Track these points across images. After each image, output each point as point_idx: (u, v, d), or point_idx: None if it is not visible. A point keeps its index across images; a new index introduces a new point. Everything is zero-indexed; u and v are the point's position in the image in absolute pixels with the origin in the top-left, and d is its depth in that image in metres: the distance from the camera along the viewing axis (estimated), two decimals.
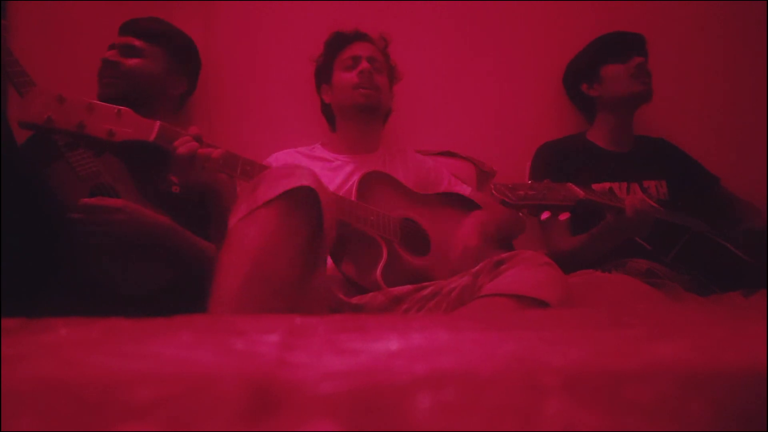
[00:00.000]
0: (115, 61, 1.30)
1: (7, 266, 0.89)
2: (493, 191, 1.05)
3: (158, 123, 0.92)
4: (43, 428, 0.27)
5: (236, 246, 0.82)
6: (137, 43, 1.34)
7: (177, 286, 1.12)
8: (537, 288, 0.89)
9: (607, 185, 1.49)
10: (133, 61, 1.32)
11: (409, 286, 1.06)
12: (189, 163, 0.93)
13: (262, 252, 0.80)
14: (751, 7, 1.80)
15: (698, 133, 1.74)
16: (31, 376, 0.30)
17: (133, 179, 1.19)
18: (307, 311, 0.88)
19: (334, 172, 1.38)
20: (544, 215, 1.09)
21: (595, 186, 1.48)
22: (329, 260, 1.12)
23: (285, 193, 0.82)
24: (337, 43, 1.48)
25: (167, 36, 1.42)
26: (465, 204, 1.35)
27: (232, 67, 1.68)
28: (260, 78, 1.69)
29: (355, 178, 1.19)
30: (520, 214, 1.22)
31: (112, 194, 1.14)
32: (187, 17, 1.59)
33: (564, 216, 1.11)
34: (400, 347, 0.37)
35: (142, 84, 1.31)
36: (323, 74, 1.51)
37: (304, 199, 0.84)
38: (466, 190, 1.45)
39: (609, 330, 0.48)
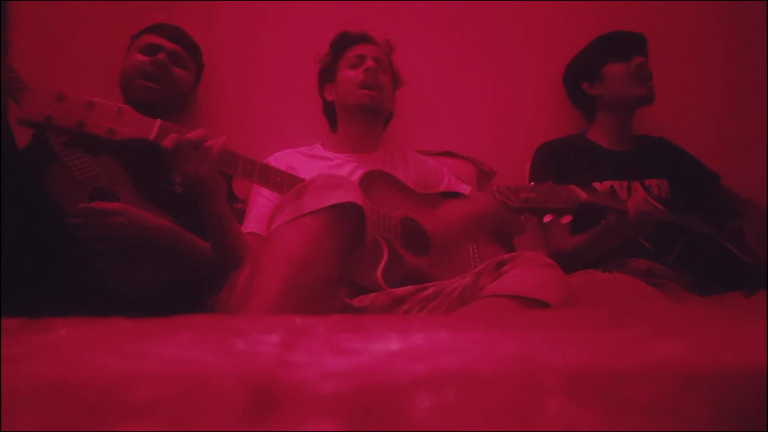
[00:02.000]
0: (170, 66, 1.30)
1: (7, 270, 0.89)
2: (496, 194, 1.05)
3: (158, 121, 0.92)
4: (43, 428, 0.27)
5: (279, 250, 0.83)
6: (184, 54, 1.36)
7: (178, 287, 1.12)
8: (538, 289, 0.89)
9: (608, 184, 1.49)
10: (181, 72, 1.32)
11: (410, 287, 1.06)
12: (179, 155, 0.93)
13: (305, 259, 0.81)
14: (751, 7, 1.80)
15: (698, 132, 1.74)
16: (31, 376, 0.30)
17: (132, 181, 1.19)
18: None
19: (333, 170, 1.38)
20: (547, 218, 1.10)
21: (596, 185, 1.48)
22: None
23: (332, 206, 0.84)
24: (344, 42, 1.49)
25: (198, 53, 1.45)
26: None
27: (232, 67, 1.68)
28: (260, 78, 1.70)
29: (356, 176, 1.19)
30: (522, 218, 1.22)
31: (111, 197, 1.13)
32: (187, 17, 1.59)
33: (566, 219, 1.11)
34: (400, 347, 0.37)
35: (181, 95, 1.32)
36: (328, 73, 1.51)
37: (350, 214, 0.86)
38: (466, 189, 1.46)
39: (609, 330, 0.48)
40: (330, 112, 1.54)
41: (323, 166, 1.39)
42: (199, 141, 0.96)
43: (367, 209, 0.88)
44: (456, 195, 1.38)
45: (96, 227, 1.06)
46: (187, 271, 1.14)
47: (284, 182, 1.03)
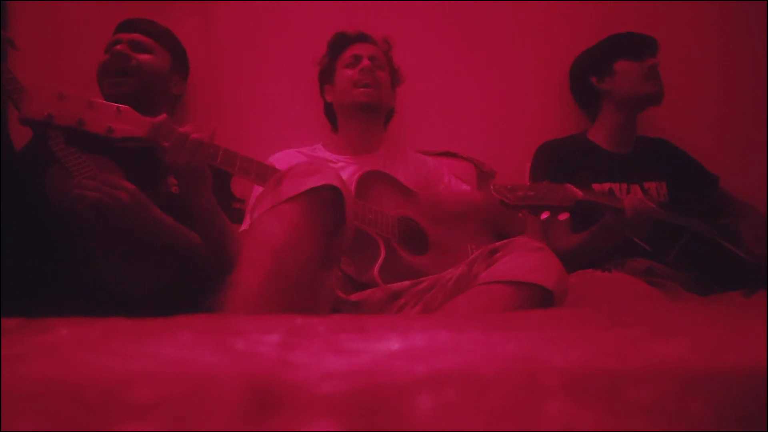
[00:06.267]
0: (127, 54, 1.28)
1: (7, 270, 0.89)
2: (493, 192, 1.06)
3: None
4: (43, 428, 0.27)
5: (259, 240, 0.83)
6: (145, 39, 1.33)
7: (177, 287, 1.11)
8: (532, 273, 0.90)
9: (607, 186, 1.49)
10: (145, 56, 1.31)
11: (406, 282, 1.06)
12: (174, 149, 0.94)
13: (285, 247, 0.81)
14: (751, 7, 1.80)
15: (698, 133, 1.74)
16: (31, 376, 0.30)
17: (130, 182, 1.19)
18: (318, 308, 0.89)
19: None
20: (544, 215, 1.10)
21: (595, 186, 1.48)
22: None
23: (310, 191, 0.83)
24: (340, 43, 1.49)
25: (168, 36, 1.42)
26: None
27: (232, 67, 1.68)
28: (260, 78, 1.69)
29: (356, 178, 1.20)
30: (520, 215, 1.23)
31: None
32: (187, 17, 1.59)
33: (563, 216, 1.12)
34: (400, 347, 0.37)
35: (152, 80, 1.30)
36: (326, 74, 1.51)
37: (328, 198, 0.85)
38: (465, 190, 1.46)
39: (609, 330, 0.48)
40: (331, 113, 1.54)
41: None
42: (189, 134, 0.97)
43: (345, 192, 0.87)
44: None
45: (101, 192, 1.01)
46: (186, 271, 1.13)
47: None
